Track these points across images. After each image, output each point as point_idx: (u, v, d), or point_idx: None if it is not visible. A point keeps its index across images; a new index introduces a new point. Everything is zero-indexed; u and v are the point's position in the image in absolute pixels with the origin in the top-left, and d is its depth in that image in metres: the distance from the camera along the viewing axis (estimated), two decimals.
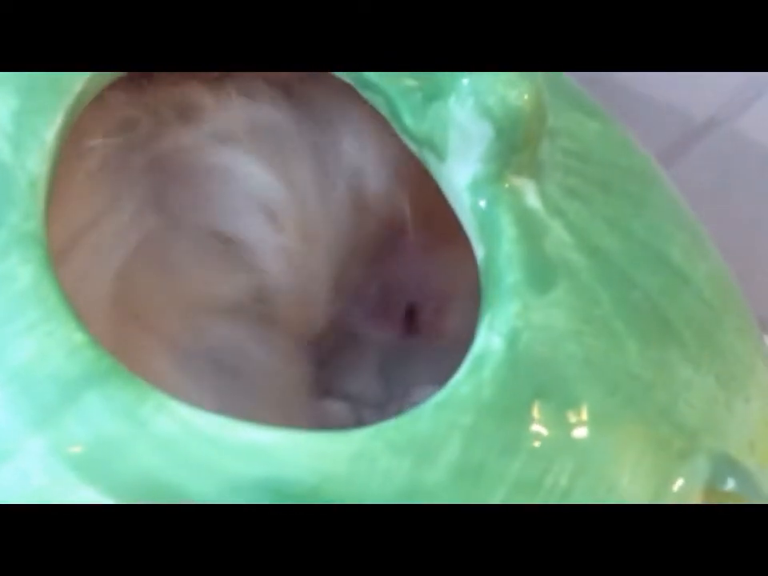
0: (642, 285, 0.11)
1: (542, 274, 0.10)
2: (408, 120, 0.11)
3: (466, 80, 0.11)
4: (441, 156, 0.11)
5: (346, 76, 0.12)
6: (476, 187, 0.11)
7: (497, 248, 0.10)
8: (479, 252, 0.11)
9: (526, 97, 0.10)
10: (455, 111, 0.11)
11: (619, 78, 0.24)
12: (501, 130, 0.10)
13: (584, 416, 0.09)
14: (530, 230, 0.10)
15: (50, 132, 0.10)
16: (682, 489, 0.10)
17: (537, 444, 0.09)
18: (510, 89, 0.10)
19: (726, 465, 0.10)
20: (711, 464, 0.10)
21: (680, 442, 0.10)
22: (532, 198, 0.11)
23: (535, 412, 0.09)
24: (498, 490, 0.08)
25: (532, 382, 0.09)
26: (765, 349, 0.13)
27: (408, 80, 0.12)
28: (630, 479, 0.09)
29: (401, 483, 0.08)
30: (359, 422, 0.14)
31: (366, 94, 0.12)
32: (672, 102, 0.24)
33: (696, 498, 0.10)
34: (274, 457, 0.08)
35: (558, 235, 0.11)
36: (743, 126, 0.24)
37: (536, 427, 0.09)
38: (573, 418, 0.09)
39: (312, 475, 0.08)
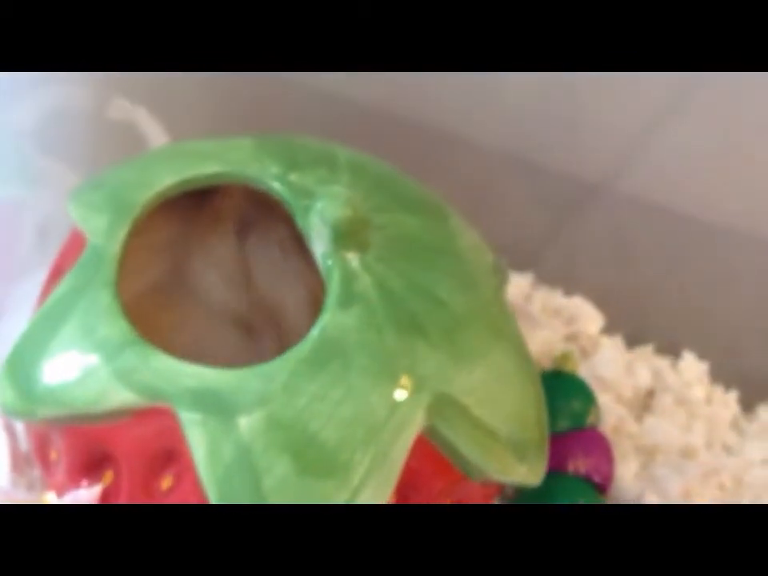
0: (410, 307, 0.20)
1: (347, 301, 0.19)
2: (298, 219, 0.20)
3: (319, 203, 0.20)
4: (311, 239, 0.20)
5: (271, 191, 0.22)
6: (325, 257, 0.20)
7: (331, 290, 0.20)
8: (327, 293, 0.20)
9: (345, 211, 0.20)
10: (314, 217, 0.20)
11: (502, 147, 0.28)
12: (333, 228, 0.20)
13: (352, 372, 0.19)
14: (347, 280, 0.20)
15: (122, 232, 0.21)
16: (409, 409, 0.19)
17: (318, 389, 0.18)
18: (337, 208, 0.20)
19: (444, 399, 0.20)
20: (433, 397, 0.20)
21: (412, 384, 0.19)
22: (355, 263, 0.20)
23: (326, 371, 0.19)
24: (302, 402, 0.18)
25: (333, 355, 0.19)
26: (515, 347, 0.22)
27: (305, 201, 0.22)
28: (382, 407, 0.18)
29: None
30: None
31: (281, 201, 0.21)
32: (560, 168, 0.28)
33: (420, 417, 0.18)
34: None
35: (364, 282, 0.20)
36: (633, 188, 0.28)
37: (324, 381, 0.19)
38: (344, 374, 0.19)
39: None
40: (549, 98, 0.27)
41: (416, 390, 0.19)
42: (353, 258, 0.20)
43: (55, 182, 0.24)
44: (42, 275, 0.21)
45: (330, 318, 0.19)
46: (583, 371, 0.29)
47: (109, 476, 0.19)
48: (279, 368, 0.18)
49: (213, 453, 0.18)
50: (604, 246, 0.30)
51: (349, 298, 0.19)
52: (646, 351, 0.30)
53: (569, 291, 0.31)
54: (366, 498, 0.18)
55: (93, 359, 0.19)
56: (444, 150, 0.29)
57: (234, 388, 0.18)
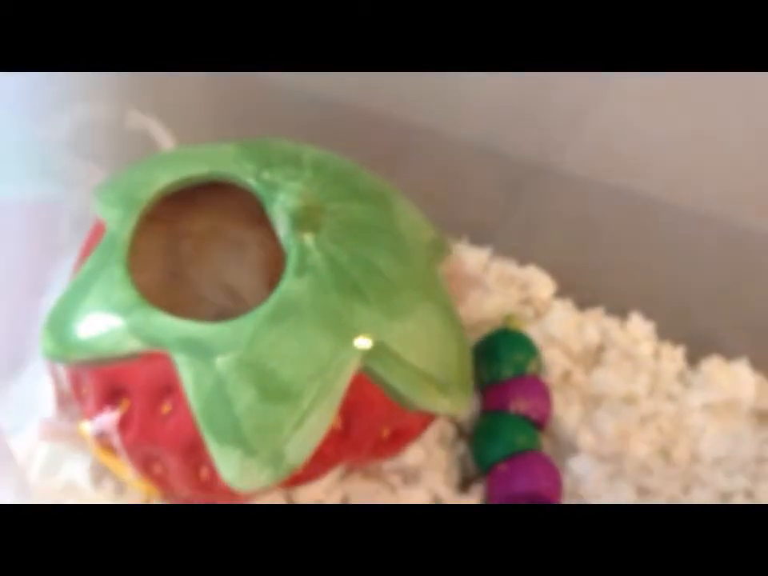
0: (352, 275, 0.25)
1: (301, 271, 0.25)
2: (267, 208, 0.26)
3: (280, 195, 0.26)
4: (276, 224, 0.26)
5: (247, 186, 0.27)
6: (286, 237, 0.25)
7: (289, 263, 0.26)
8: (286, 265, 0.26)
9: (299, 202, 0.26)
10: (277, 207, 0.25)
11: (465, 136, 0.30)
12: (290, 215, 0.25)
13: (304, 325, 0.24)
14: (302, 255, 0.25)
15: (132, 222, 0.27)
16: (348, 353, 0.24)
17: (277, 337, 0.24)
18: (293, 199, 0.26)
19: (378, 346, 0.25)
20: (371, 344, 0.25)
21: (353, 336, 0.24)
22: (309, 242, 0.26)
23: (284, 324, 0.24)
24: (265, 347, 0.24)
25: (289, 313, 0.25)
26: (442, 307, 0.27)
27: (272, 193, 0.27)
28: (327, 351, 0.23)
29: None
30: None
31: (255, 193, 0.27)
32: (517, 153, 0.30)
33: (356, 359, 0.24)
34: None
35: (316, 257, 0.25)
36: (583, 169, 0.30)
37: (282, 331, 0.24)
38: (297, 327, 0.24)
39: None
40: (505, 87, 0.29)
41: (354, 339, 0.24)
42: (308, 238, 0.25)
43: (86, 182, 0.29)
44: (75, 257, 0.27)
45: (287, 285, 0.25)
46: (535, 331, 0.32)
47: (125, 404, 0.24)
48: (247, 322, 0.24)
49: (198, 385, 0.24)
50: (557, 222, 0.32)
51: (303, 268, 0.25)
52: (596, 313, 0.32)
53: (524, 262, 0.32)
54: (314, 420, 0.23)
55: (111, 318, 0.25)
56: (413, 142, 0.31)
57: (214, 337, 0.24)
